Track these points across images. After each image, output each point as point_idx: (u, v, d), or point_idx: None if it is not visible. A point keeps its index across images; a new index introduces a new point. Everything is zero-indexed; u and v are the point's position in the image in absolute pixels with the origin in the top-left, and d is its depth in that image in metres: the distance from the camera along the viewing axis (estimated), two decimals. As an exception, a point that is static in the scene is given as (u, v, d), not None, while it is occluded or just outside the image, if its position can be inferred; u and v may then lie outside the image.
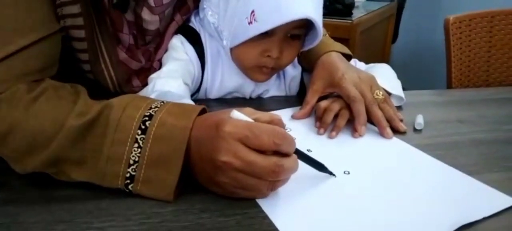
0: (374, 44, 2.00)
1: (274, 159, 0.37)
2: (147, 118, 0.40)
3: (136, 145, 0.39)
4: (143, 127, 0.39)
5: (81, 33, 0.51)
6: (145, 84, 0.61)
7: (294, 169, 0.39)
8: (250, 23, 0.52)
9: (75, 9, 0.49)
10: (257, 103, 0.67)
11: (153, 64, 0.63)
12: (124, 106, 0.41)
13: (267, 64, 0.58)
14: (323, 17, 0.57)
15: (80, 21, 0.50)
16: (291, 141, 0.38)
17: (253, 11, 0.51)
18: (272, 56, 0.57)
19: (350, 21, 1.58)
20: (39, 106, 0.41)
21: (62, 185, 0.41)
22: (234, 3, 0.54)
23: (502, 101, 0.72)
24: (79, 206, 0.38)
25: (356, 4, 1.75)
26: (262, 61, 0.58)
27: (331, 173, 0.44)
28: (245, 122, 0.38)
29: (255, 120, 0.39)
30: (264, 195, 0.40)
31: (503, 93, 0.77)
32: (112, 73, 0.57)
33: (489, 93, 0.76)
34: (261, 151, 0.37)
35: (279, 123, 0.41)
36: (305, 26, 0.57)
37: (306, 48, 0.61)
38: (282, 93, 0.70)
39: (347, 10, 1.63)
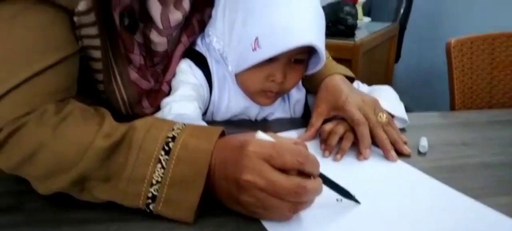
0: (377, 65, 2.02)
1: (297, 179, 0.38)
2: (170, 139, 0.41)
3: (159, 165, 0.40)
4: (166, 148, 0.40)
5: (98, 54, 0.53)
6: (155, 106, 0.62)
7: (317, 191, 0.39)
8: (254, 49, 0.53)
9: (93, 31, 0.50)
10: (263, 125, 0.68)
11: (161, 87, 0.64)
12: (147, 128, 0.42)
13: (271, 88, 0.59)
14: (326, 38, 0.58)
15: (97, 42, 0.52)
16: (315, 161, 0.40)
17: (256, 39, 0.53)
18: (276, 81, 0.58)
19: (352, 42, 1.60)
20: (66, 128, 0.42)
21: (74, 207, 0.41)
22: (239, 30, 0.56)
23: (506, 123, 0.73)
24: (90, 228, 0.39)
25: (358, 25, 1.78)
26: (267, 85, 0.59)
27: (356, 201, 0.43)
28: (269, 141, 0.39)
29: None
30: (286, 217, 0.40)
31: (507, 115, 0.77)
32: (124, 94, 0.58)
33: (493, 115, 0.77)
34: (285, 171, 0.38)
35: (303, 145, 0.42)
36: (308, 51, 0.58)
37: (309, 72, 0.62)
38: (287, 115, 0.71)
39: (350, 31, 1.65)
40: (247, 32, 0.54)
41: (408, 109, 0.65)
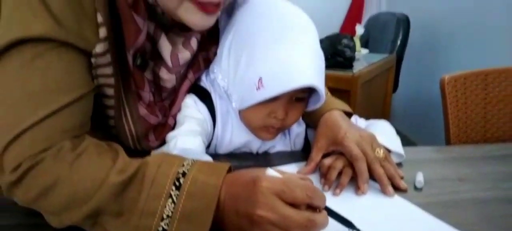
0: (375, 95, 2.05)
1: (306, 214, 0.41)
2: (181, 175, 0.43)
3: (170, 200, 0.42)
4: (177, 183, 0.43)
5: (111, 91, 0.56)
6: (160, 139, 0.64)
7: (324, 224, 0.42)
8: (258, 89, 0.56)
9: (108, 70, 0.53)
10: (264, 158, 0.70)
11: (167, 121, 0.67)
12: (159, 163, 0.45)
13: (273, 124, 0.62)
14: (325, 70, 0.61)
15: (111, 80, 0.55)
16: (322, 195, 0.43)
17: (260, 79, 0.56)
18: (278, 117, 0.61)
19: (351, 74, 1.64)
20: (82, 163, 0.44)
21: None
22: (243, 70, 0.59)
23: (500, 158, 0.74)
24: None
25: (356, 57, 1.83)
26: (269, 122, 0.62)
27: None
28: (279, 177, 0.42)
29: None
30: None
31: (501, 150, 0.79)
32: (132, 129, 0.61)
33: (487, 150, 0.79)
34: (296, 205, 0.41)
35: (309, 180, 0.45)
36: (308, 90, 0.61)
37: (309, 109, 0.65)
38: (288, 149, 0.73)
39: (348, 63, 1.70)
40: (252, 72, 0.57)
41: (406, 138, 0.68)
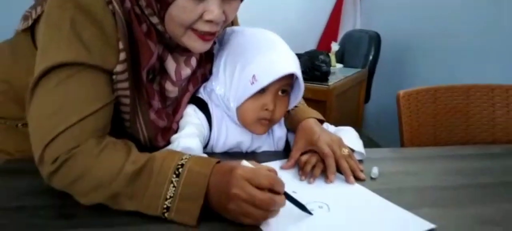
0: (349, 105, 2.25)
1: (268, 194, 0.55)
2: (180, 166, 0.57)
3: (171, 185, 0.56)
4: (177, 172, 0.57)
5: (127, 101, 0.69)
6: (166, 140, 0.78)
7: (282, 204, 0.56)
8: (252, 83, 0.72)
9: (125, 84, 0.67)
10: (252, 156, 0.84)
11: (172, 125, 0.81)
12: (163, 158, 0.59)
13: (265, 116, 0.77)
14: (304, 82, 0.77)
15: (127, 92, 0.68)
16: (282, 183, 0.57)
17: (254, 75, 0.72)
18: (269, 109, 0.76)
19: (326, 86, 1.82)
20: (104, 156, 0.58)
21: (117, 215, 0.57)
22: (238, 74, 0.75)
23: (444, 158, 0.90)
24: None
25: (332, 71, 2.02)
26: (262, 114, 0.77)
27: (309, 212, 0.60)
28: (250, 167, 0.57)
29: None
30: (259, 222, 0.56)
31: (446, 151, 0.96)
32: (144, 130, 0.74)
33: (432, 152, 0.96)
34: (261, 188, 0.55)
35: (274, 171, 0.59)
36: (290, 84, 0.78)
37: (292, 105, 0.81)
38: (272, 149, 0.88)
39: (324, 77, 1.88)
40: (246, 73, 0.73)
41: (377, 144, 0.84)
